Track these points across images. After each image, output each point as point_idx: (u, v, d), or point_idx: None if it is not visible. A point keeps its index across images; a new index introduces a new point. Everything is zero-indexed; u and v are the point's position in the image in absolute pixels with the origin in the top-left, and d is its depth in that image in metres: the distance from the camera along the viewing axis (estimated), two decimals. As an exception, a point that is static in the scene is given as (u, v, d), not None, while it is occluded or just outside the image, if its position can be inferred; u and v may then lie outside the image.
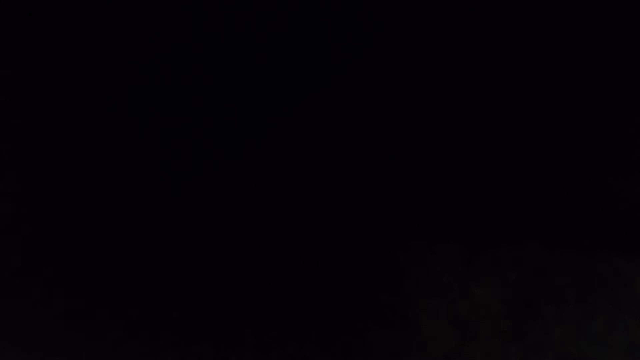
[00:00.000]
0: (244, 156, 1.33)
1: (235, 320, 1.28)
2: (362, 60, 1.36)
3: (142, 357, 1.27)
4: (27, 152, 1.33)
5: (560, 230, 1.29)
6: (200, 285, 1.29)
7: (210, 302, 1.28)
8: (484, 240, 1.29)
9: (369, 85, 1.35)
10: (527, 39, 1.35)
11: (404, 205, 1.31)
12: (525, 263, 1.28)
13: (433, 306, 1.27)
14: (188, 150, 1.32)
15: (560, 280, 1.27)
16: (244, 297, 1.28)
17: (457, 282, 1.28)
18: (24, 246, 1.30)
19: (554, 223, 1.29)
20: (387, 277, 1.28)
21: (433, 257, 1.29)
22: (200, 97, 1.34)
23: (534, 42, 1.35)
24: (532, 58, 1.34)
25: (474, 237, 1.29)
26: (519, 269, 1.28)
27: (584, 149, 1.31)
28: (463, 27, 1.36)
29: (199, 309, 1.28)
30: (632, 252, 1.28)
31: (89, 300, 1.29)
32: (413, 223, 1.30)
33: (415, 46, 1.36)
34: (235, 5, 1.34)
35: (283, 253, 1.29)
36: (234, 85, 1.34)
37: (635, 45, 1.33)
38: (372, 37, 1.36)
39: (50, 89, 1.34)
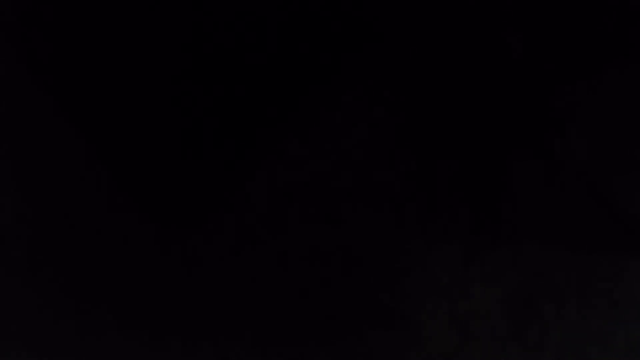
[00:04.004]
0: (244, 156, 1.33)
1: (235, 320, 1.28)
2: (362, 60, 1.36)
3: (142, 356, 1.27)
4: (28, 154, 1.33)
5: (560, 230, 1.29)
6: (200, 285, 1.29)
7: (210, 301, 1.28)
8: (484, 240, 1.29)
9: (369, 86, 1.35)
10: (527, 39, 1.35)
11: (404, 206, 1.31)
12: (525, 263, 1.28)
13: (433, 306, 1.27)
14: (188, 151, 1.33)
15: (560, 280, 1.27)
16: (244, 297, 1.29)
17: (457, 282, 1.28)
18: (24, 246, 1.31)
19: (554, 223, 1.29)
20: (387, 277, 1.28)
21: (433, 257, 1.29)
22: (201, 98, 1.34)
23: (534, 43, 1.35)
24: (532, 58, 1.34)
25: (474, 237, 1.29)
26: (519, 269, 1.28)
27: (584, 150, 1.31)
28: (463, 28, 1.35)
29: (199, 309, 1.28)
30: (631, 252, 1.28)
31: (89, 300, 1.29)
32: (413, 223, 1.30)
33: (415, 47, 1.36)
34: (236, 6, 1.34)
35: (283, 253, 1.30)
36: (233, 85, 1.34)
37: (635, 46, 1.33)
38: (372, 38, 1.36)
39: (53, 91, 1.34)
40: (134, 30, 1.34)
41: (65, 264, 1.30)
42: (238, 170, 1.33)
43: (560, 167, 1.31)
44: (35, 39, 1.35)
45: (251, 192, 1.32)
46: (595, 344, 1.25)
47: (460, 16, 1.36)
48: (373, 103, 1.34)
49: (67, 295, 1.29)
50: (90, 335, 1.28)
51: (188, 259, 1.30)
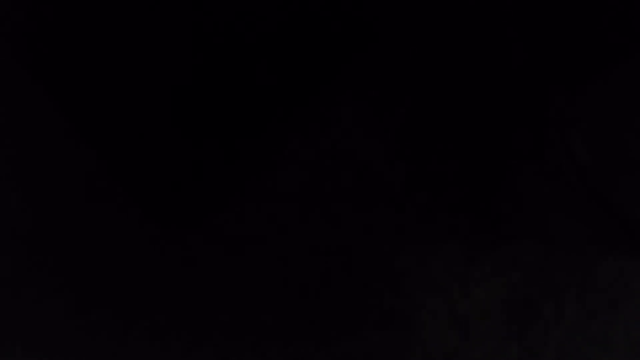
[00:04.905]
0: (244, 156, 1.33)
1: (235, 320, 1.28)
2: (362, 60, 1.36)
3: (141, 356, 1.27)
4: (27, 152, 1.33)
5: (560, 230, 1.29)
6: (200, 285, 1.29)
7: (210, 302, 1.29)
8: (484, 240, 1.29)
9: (369, 86, 1.35)
10: (527, 39, 1.35)
11: (404, 206, 1.31)
12: (525, 263, 1.28)
13: (433, 306, 1.27)
14: (188, 151, 1.33)
15: (560, 281, 1.27)
16: (244, 297, 1.29)
17: (457, 282, 1.28)
18: (24, 246, 1.31)
19: (554, 223, 1.29)
20: (387, 277, 1.28)
21: (433, 257, 1.29)
22: (200, 97, 1.34)
23: (534, 42, 1.35)
24: (531, 58, 1.34)
25: (474, 237, 1.29)
26: (519, 269, 1.28)
27: (584, 149, 1.31)
28: (462, 28, 1.35)
29: (199, 309, 1.28)
30: (631, 252, 1.28)
31: (88, 300, 1.29)
32: (413, 223, 1.30)
33: (415, 47, 1.36)
34: (236, 5, 1.34)
35: (283, 253, 1.30)
36: (234, 85, 1.34)
37: (635, 46, 1.33)
38: (372, 38, 1.36)
39: (51, 89, 1.34)
40: (134, 28, 1.34)
41: (64, 264, 1.30)
42: (238, 169, 1.33)
43: (561, 167, 1.31)
44: (35, 38, 1.35)
45: (251, 192, 1.32)
46: (595, 344, 1.25)
47: (461, 17, 1.36)
48: (374, 103, 1.34)
49: (66, 295, 1.29)
50: (90, 335, 1.28)
51: (187, 259, 1.30)
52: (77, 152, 1.33)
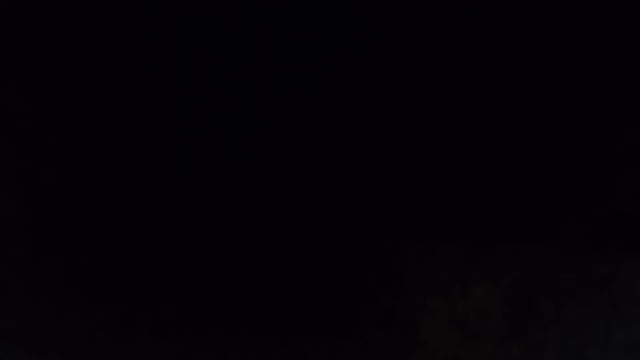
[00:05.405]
0: (245, 156, 1.33)
1: (235, 320, 1.28)
2: (363, 61, 1.36)
3: (142, 356, 1.27)
4: (27, 152, 1.33)
5: (560, 230, 1.29)
6: (200, 285, 1.29)
7: (210, 301, 1.28)
8: (484, 240, 1.29)
9: (370, 86, 1.35)
10: (527, 40, 1.35)
11: (404, 206, 1.31)
12: (525, 263, 1.28)
13: (433, 306, 1.27)
14: (189, 150, 1.32)
15: (560, 280, 1.27)
16: (244, 297, 1.28)
17: (457, 282, 1.28)
18: (24, 245, 1.30)
19: (554, 223, 1.29)
20: (387, 277, 1.28)
21: (433, 257, 1.29)
22: (201, 97, 1.33)
23: (534, 43, 1.34)
24: (531, 58, 1.34)
25: (474, 237, 1.29)
26: (519, 269, 1.28)
27: (584, 149, 1.31)
28: (463, 29, 1.35)
29: (199, 309, 1.28)
30: (631, 252, 1.28)
31: (88, 300, 1.29)
32: (413, 223, 1.30)
33: (415, 47, 1.36)
34: (232, 7, 1.34)
35: (283, 253, 1.29)
36: (234, 85, 1.34)
37: (635, 46, 1.33)
38: (373, 39, 1.36)
39: (51, 88, 1.34)
40: (134, 26, 1.34)
41: (64, 264, 1.30)
42: (238, 169, 1.33)
43: (561, 166, 1.31)
44: (35, 38, 1.35)
45: (251, 192, 1.32)
46: (595, 344, 1.25)
47: (460, 17, 1.36)
48: (374, 103, 1.34)
49: (66, 295, 1.29)
50: (89, 334, 1.28)
51: (187, 259, 1.30)
52: (78, 152, 1.33)
